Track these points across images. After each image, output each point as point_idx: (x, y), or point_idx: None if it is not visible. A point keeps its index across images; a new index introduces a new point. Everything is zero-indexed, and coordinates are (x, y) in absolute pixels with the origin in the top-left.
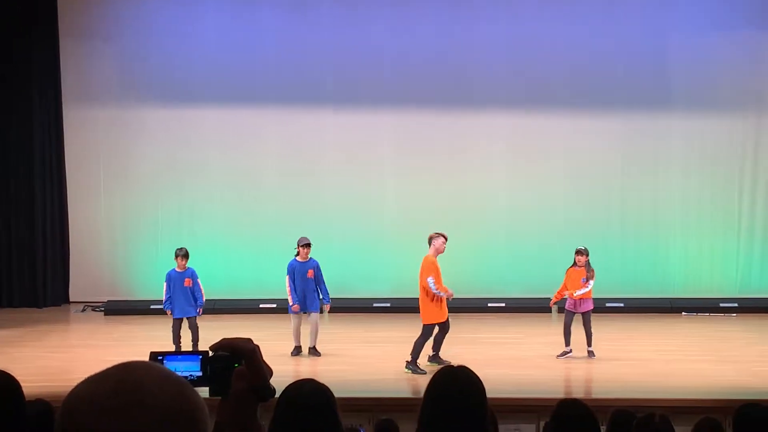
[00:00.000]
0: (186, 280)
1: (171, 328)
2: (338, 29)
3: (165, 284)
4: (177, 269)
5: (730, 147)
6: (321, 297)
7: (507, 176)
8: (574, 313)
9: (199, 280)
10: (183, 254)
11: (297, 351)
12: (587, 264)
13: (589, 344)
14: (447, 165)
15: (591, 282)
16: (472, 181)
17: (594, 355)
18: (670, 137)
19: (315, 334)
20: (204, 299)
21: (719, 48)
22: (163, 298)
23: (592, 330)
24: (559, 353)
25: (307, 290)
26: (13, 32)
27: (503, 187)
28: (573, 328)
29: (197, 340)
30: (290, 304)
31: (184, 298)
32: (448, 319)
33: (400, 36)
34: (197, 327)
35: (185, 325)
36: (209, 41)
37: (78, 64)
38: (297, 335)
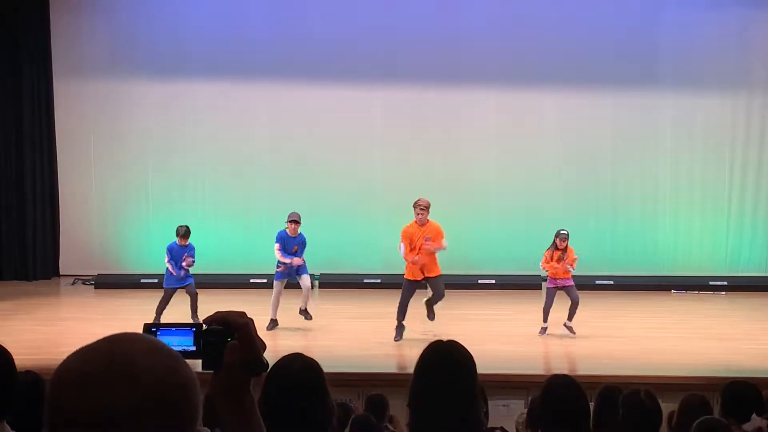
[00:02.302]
0: (185, 255)
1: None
2: (330, 4)
3: (167, 256)
4: (178, 243)
5: (720, 124)
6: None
7: (497, 153)
8: (557, 289)
9: (194, 256)
10: (182, 234)
11: (273, 324)
12: (566, 248)
13: (570, 318)
14: (438, 141)
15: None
16: (463, 157)
17: (573, 333)
18: (661, 115)
19: (307, 297)
20: (193, 261)
21: (710, 25)
22: (167, 267)
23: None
24: (539, 330)
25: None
26: (2, 5)
27: (493, 164)
28: (557, 304)
29: (196, 309)
30: (282, 260)
31: (182, 271)
32: None
33: (391, 11)
34: (196, 294)
35: (184, 297)
36: (200, 15)
37: (69, 38)
38: (275, 307)
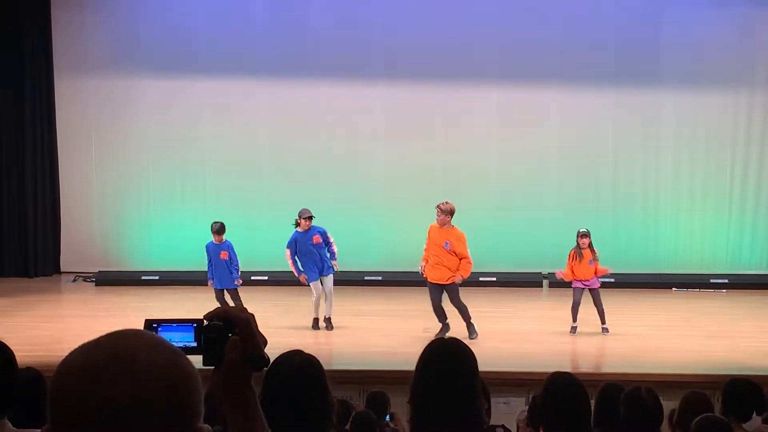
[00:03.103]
0: (222, 252)
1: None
2: (331, 1)
3: (207, 255)
4: (214, 242)
5: (721, 123)
6: (329, 254)
7: (498, 150)
8: (584, 290)
9: (233, 253)
10: (215, 231)
11: (315, 324)
12: (590, 245)
13: (603, 321)
14: (438, 138)
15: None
16: (464, 154)
17: (608, 332)
18: (662, 112)
19: (330, 303)
20: (239, 271)
21: (712, 23)
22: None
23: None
24: (569, 330)
25: (317, 257)
26: (3, 4)
27: (494, 161)
28: (581, 305)
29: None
30: (296, 276)
31: (221, 270)
32: None
33: (393, 8)
34: (239, 298)
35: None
36: (201, 13)
37: (69, 35)
38: (316, 307)
